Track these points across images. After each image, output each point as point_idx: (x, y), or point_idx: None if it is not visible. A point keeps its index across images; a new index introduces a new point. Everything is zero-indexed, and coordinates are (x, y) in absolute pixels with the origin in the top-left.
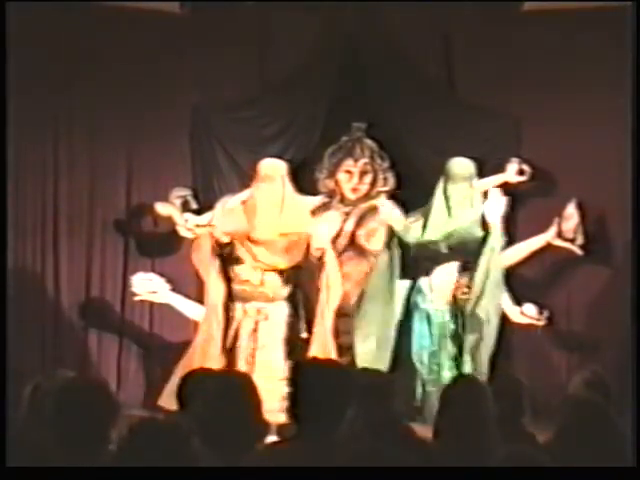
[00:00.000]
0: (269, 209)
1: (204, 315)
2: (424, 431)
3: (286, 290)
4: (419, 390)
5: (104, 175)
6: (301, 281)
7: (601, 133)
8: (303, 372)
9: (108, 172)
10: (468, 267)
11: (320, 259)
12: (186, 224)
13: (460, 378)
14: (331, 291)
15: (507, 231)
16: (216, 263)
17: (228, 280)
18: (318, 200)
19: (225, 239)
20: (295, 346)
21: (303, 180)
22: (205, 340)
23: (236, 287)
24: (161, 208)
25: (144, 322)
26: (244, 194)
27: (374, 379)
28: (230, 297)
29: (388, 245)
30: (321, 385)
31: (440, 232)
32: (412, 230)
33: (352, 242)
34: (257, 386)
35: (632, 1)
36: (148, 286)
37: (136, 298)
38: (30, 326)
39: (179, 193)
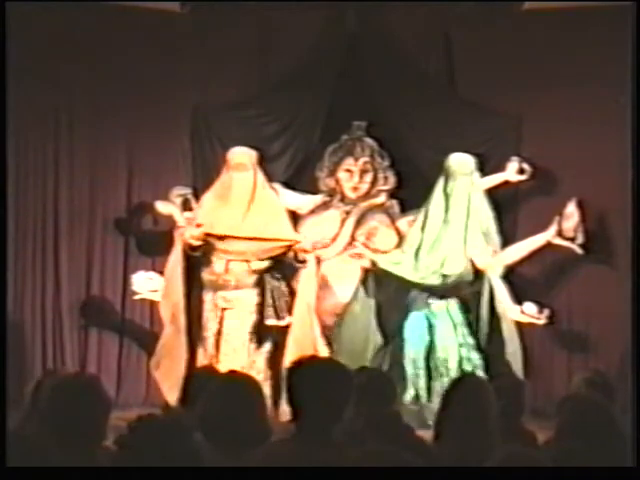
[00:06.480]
0: (240, 198)
1: (169, 308)
2: (424, 431)
3: (253, 278)
4: (420, 391)
5: (104, 174)
6: (271, 270)
7: (602, 132)
8: (301, 371)
9: (108, 171)
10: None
11: (303, 261)
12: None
13: (462, 377)
14: (310, 291)
15: (507, 230)
16: (182, 262)
17: (193, 273)
18: (302, 197)
19: (195, 242)
20: (264, 334)
21: (304, 179)
22: (173, 332)
23: (205, 277)
24: (161, 207)
25: (144, 321)
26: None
27: (373, 378)
28: (200, 287)
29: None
30: (319, 384)
31: (432, 272)
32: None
33: (352, 241)
34: (262, 388)
35: (632, 1)
36: (148, 285)
37: (136, 297)
38: (30, 325)
39: (179, 192)
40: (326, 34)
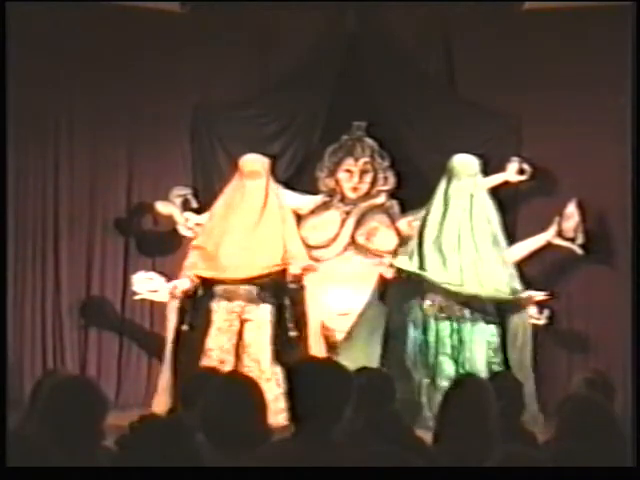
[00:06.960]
0: (253, 206)
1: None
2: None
3: (271, 289)
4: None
5: (104, 174)
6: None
7: (601, 132)
8: (301, 371)
9: (108, 171)
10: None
11: (297, 281)
12: (186, 223)
13: (462, 377)
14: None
15: (507, 231)
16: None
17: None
18: (302, 197)
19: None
20: (284, 346)
21: (304, 179)
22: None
23: (220, 286)
24: (161, 207)
25: (144, 321)
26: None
27: (373, 378)
28: (212, 296)
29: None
30: (319, 384)
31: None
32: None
33: (352, 241)
34: (262, 389)
35: (632, 1)
36: (148, 285)
37: (136, 297)
38: (30, 325)
39: (179, 192)
40: (326, 34)
